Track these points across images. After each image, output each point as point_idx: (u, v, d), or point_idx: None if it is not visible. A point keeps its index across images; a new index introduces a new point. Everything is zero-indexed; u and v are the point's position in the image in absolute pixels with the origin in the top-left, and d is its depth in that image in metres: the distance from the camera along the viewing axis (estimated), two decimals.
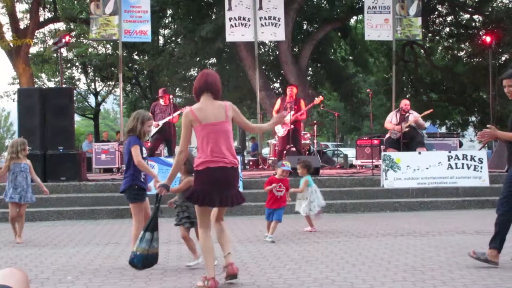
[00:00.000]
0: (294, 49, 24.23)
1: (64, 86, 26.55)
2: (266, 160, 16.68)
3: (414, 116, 13.78)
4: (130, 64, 31.53)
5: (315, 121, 16.94)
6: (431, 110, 15.04)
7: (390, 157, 12.43)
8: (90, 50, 32.34)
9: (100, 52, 33.01)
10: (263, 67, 25.02)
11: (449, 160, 12.44)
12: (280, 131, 14.09)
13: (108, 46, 31.62)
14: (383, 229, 9.03)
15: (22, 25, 23.71)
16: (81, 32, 28.52)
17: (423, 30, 19.45)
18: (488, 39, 18.50)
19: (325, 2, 25.90)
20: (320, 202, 8.90)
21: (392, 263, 6.37)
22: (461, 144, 17.27)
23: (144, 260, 5.72)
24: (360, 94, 29.56)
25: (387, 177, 12.28)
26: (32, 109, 12.64)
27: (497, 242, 6.00)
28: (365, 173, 14.10)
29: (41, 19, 24.28)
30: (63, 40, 16.73)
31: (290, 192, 8.62)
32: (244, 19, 16.24)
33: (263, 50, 27.73)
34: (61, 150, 12.53)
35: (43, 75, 35.10)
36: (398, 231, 8.80)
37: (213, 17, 22.21)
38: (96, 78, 36.29)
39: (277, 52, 23.36)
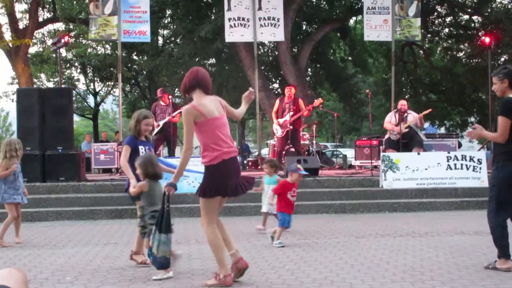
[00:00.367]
0: (293, 50, 24.22)
1: (63, 86, 26.52)
2: None
3: (413, 116, 13.79)
4: (129, 65, 31.52)
5: (314, 121, 16.95)
6: (431, 109, 15.04)
7: (389, 158, 12.42)
8: (89, 50, 32.34)
9: (99, 52, 33.02)
10: (262, 67, 25.02)
11: (448, 160, 12.44)
12: (279, 131, 14.07)
13: (107, 46, 31.63)
14: (382, 229, 9.03)
15: (21, 25, 23.71)
16: (80, 32, 28.52)
17: (422, 30, 19.46)
18: (487, 39, 18.52)
19: (324, 2, 25.92)
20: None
21: (391, 263, 6.37)
22: (460, 145, 17.29)
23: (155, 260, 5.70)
24: (359, 95, 29.56)
25: (386, 178, 12.28)
26: (31, 109, 12.61)
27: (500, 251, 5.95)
28: (364, 173, 14.09)
29: (40, 19, 24.28)
30: (62, 40, 16.71)
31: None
32: (243, 19, 16.23)
33: (262, 51, 27.72)
34: (60, 151, 12.51)
35: (42, 75, 35.09)
36: (397, 232, 8.80)
37: (212, 17, 22.20)
38: (95, 78, 36.29)
39: (276, 53, 23.36)
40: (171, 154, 14.70)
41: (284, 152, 13.85)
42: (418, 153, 12.80)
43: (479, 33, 24.94)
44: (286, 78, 21.47)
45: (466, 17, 27.79)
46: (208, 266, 6.33)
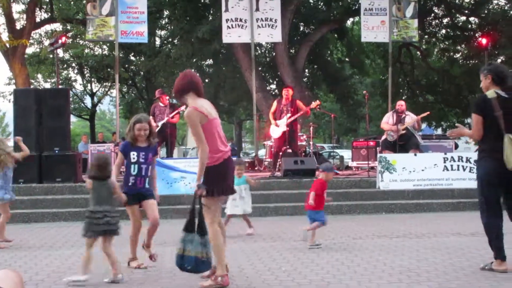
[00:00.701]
0: (291, 51, 24.22)
1: (60, 87, 26.44)
2: (262, 162, 16.67)
3: (411, 118, 13.79)
4: (126, 65, 31.52)
5: (311, 123, 16.95)
6: (429, 112, 15.05)
7: (386, 159, 12.44)
8: (86, 51, 32.33)
9: (97, 53, 33.01)
10: (260, 68, 25.02)
11: (444, 162, 12.46)
12: (275, 132, 14.04)
13: (104, 47, 31.60)
14: (379, 230, 9.03)
15: (18, 25, 23.68)
16: (78, 33, 28.46)
17: (419, 32, 19.49)
18: (484, 41, 18.56)
19: (321, 3, 25.93)
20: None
21: (387, 264, 6.38)
22: (456, 146, 17.31)
23: (197, 262, 5.47)
24: (356, 96, 29.58)
25: (383, 179, 12.29)
26: (28, 110, 12.60)
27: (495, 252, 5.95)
28: (361, 174, 14.10)
29: (38, 19, 24.24)
30: (60, 41, 16.73)
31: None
32: (240, 20, 16.25)
33: (259, 52, 27.74)
34: (56, 151, 12.50)
35: (39, 75, 35.08)
36: (394, 233, 8.81)
37: (210, 18, 22.20)
38: (93, 79, 36.26)
39: (274, 54, 23.37)
40: (169, 155, 14.69)
41: (281, 153, 13.83)
42: (415, 154, 12.81)
43: (476, 35, 24.95)
44: (283, 79, 21.48)
45: (463, 18, 27.80)
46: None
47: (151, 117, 13.90)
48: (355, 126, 39.00)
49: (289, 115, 13.59)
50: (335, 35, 27.31)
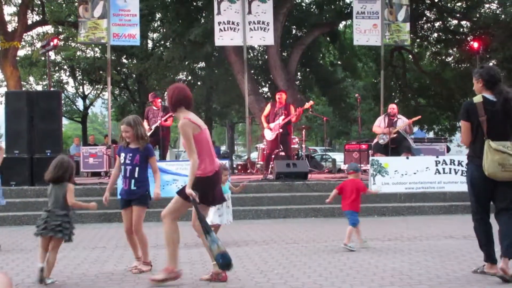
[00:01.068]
0: (283, 54, 24.25)
1: (52, 89, 26.39)
2: (255, 165, 16.67)
3: (403, 121, 13.82)
4: (118, 68, 31.42)
5: (303, 126, 16.97)
6: (419, 116, 15.10)
7: (378, 162, 12.46)
8: (78, 53, 32.20)
9: (89, 55, 32.88)
10: (252, 71, 25.02)
11: (436, 165, 12.50)
12: (269, 135, 14.04)
13: (96, 49, 31.50)
14: (371, 233, 9.04)
15: (10, 27, 23.55)
16: (70, 35, 28.35)
17: (411, 35, 19.54)
18: (475, 44, 18.62)
19: (314, 7, 25.98)
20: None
21: (379, 267, 6.39)
22: (448, 149, 17.35)
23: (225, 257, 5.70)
24: (349, 99, 29.64)
25: (375, 182, 12.31)
26: (20, 112, 12.55)
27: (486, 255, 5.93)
28: None
29: (29, 22, 24.16)
30: (51, 43, 16.66)
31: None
32: (233, 23, 16.26)
33: (252, 55, 27.74)
34: (48, 154, 12.44)
35: (31, 78, 34.89)
36: (386, 236, 8.83)
37: (202, 21, 22.18)
38: (84, 82, 36.11)
39: (266, 57, 23.38)
40: (162, 158, 14.66)
41: (273, 156, 13.83)
42: (407, 157, 12.84)
43: (468, 38, 25.06)
44: (275, 82, 21.49)
45: (455, 22, 27.94)
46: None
47: (145, 120, 13.93)
48: (347, 129, 39.09)
49: (283, 117, 13.57)
50: (328, 38, 27.35)
